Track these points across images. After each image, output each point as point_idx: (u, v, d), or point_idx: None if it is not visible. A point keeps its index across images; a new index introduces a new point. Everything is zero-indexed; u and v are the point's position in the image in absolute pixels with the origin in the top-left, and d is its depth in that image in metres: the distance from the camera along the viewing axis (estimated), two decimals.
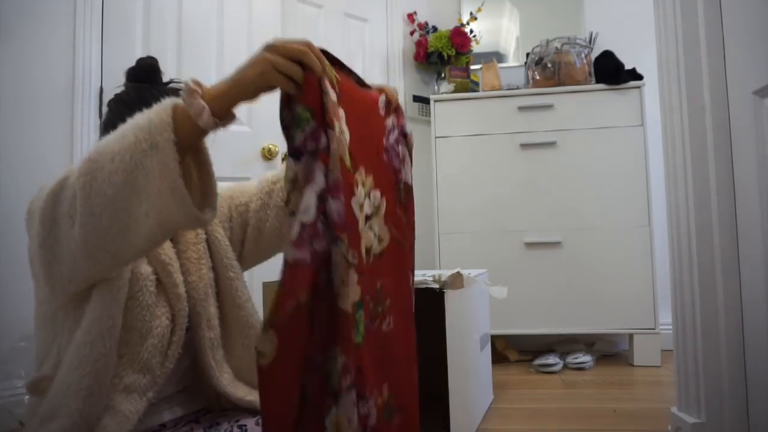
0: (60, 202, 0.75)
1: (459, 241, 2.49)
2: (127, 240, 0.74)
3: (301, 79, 0.68)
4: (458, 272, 1.54)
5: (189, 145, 0.73)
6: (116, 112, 1.03)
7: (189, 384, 0.95)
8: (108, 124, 1.04)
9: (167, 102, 0.72)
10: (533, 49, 2.63)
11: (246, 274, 1.03)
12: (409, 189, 0.89)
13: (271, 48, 0.70)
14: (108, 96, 1.90)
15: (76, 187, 0.72)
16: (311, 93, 0.67)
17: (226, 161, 2.08)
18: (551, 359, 2.31)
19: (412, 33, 2.92)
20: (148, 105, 1.00)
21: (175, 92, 1.03)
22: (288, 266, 0.63)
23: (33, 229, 0.81)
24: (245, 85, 0.71)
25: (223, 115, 0.72)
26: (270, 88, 0.70)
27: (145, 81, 1.05)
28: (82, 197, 0.71)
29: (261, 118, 2.25)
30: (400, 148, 0.88)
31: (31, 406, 0.89)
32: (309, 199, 0.64)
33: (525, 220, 2.45)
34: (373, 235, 0.74)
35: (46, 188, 0.81)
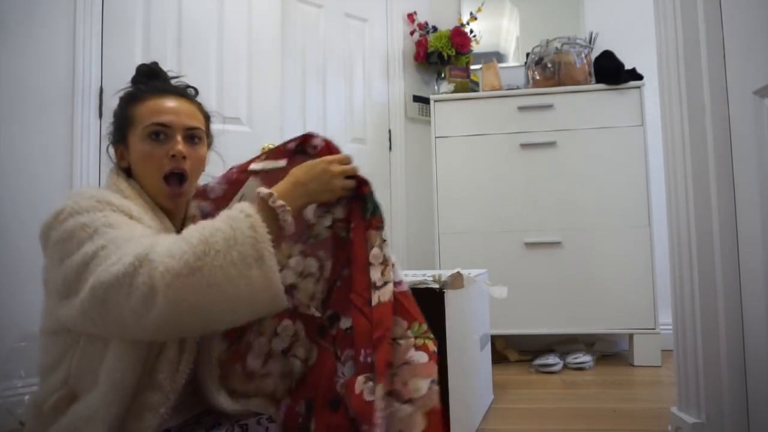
0: (123, 296, 0.76)
1: (459, 241, 2.48)
2: (206, 330, 0.83)
3: (354, 186, 0.96)
4: (458, 272, 1.54)
5: None
6: (119, 114, 1.04)
7: (192, 390, 0.95)
8: (114, 134, 1.06)
9: (254, 216, 0.81)
10: (533, 49, 2.63)
11: None
12: None
13: (337, 173, 0.94)
14: (108, 97, 1.90)
15: (158, 297, 0.74)
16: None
17: (227, 161, 2.08)
18: (551, 359, 2.31)
19: (412, 33, 2.92)
20: (139, 100, 1.01)
21: (176, 87, 1.05)
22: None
23: (59, 279, 0.82)
24: (317, 201, 0.96)
25: None
26: None
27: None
28: (170, 310, 0.74)
29: (261, 117, 2.25)
30: None
31: (35, 411, 0.89)
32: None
33: (525, 220, 2.44)
34: None
35: (73, 230, 0.82)
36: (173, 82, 1.08)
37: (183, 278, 0.74)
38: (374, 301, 0.90)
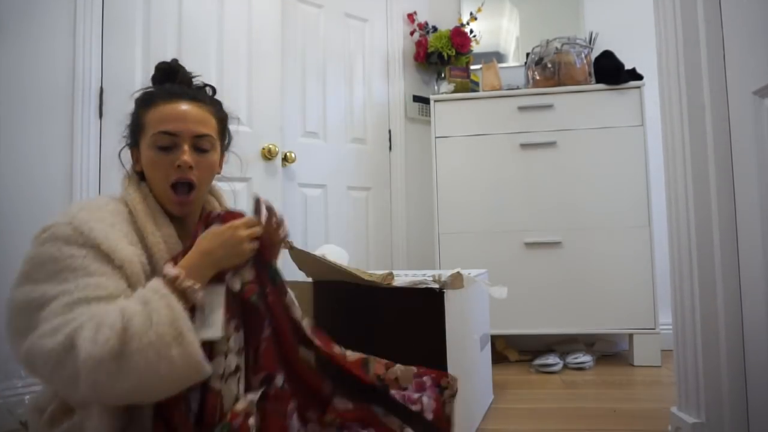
0: (48, 371, 0.80)
1: (459, 241, 2.49)
2: (133, 402, 0.83)
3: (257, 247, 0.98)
4: (458, 272, 1.54)
5: None
6: (133, 119, 1.04)
7: None
8: (129, 138, 1.06)
9: (168, 295, 0.82)
10: (533, 49, 2.63)
11: None
12: None
13: (245, 237, 0.94)
14: (108, 97, 1.90)
15: (81, 381, 0.77)
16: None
17: (229, 159, 2.08)
18: (551, 359, 2.31)
19: (412, 33, 2.92)
20: (149, 105, 1.01)
21: (189, 90, 1.04)
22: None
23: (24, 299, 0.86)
24: (226, 267, 0.93)
25: None
26: None
27: (164, 82, 1.06)
28: (93, 392, 0.78)
29: (261, 118, 2.25)
30: None
31: (37, 414, 0.91)
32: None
33: (525, 220, 2.45)
34: None
35: (44, 260, 0.86)
36: (195, 82, 1.07)
37: (103, 365, 0.76)
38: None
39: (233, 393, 0.88)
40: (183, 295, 0.85)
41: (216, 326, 0.87)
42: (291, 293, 1.04)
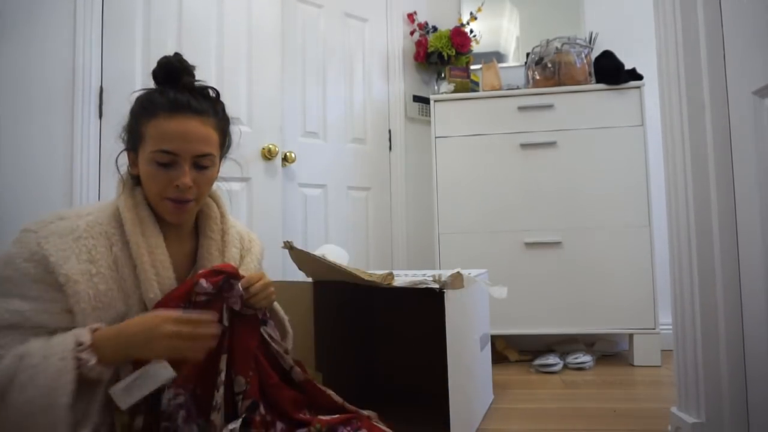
0: None
1: (459, 241, 2.49)
2: None
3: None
4: (458, 272, 1.54)
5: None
6: (131, 124, 1.03)
7: None
8: (127, 142, 1.05)
9: (68, 360, 0.80)
10: (533, 49, 2.63)
11: None
12: None
13: (167, 333, 0.85)
14: (108, 97, 1.90)
15: None
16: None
17: (226, 161, 2.08)
18: (551, 359, 2.31)
19: (412, 33, 2.92)
20: (149, 114, 1.00)
21: (190, 100, 1.01)
22: None
23: None
24: (138, 356, 0.86)
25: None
26: None
27: (166, 83, 1.03)
28: None
29: (261, 117, 2.25)
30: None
31: None
32: None
33: (525, 220, 2.45)
34: None
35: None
36: (197, 84, 1.04)
37: None
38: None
39: (216, 426, 0.93)
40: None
41: (129, 399, 0.84)
42: (286, 335, 1.11)
